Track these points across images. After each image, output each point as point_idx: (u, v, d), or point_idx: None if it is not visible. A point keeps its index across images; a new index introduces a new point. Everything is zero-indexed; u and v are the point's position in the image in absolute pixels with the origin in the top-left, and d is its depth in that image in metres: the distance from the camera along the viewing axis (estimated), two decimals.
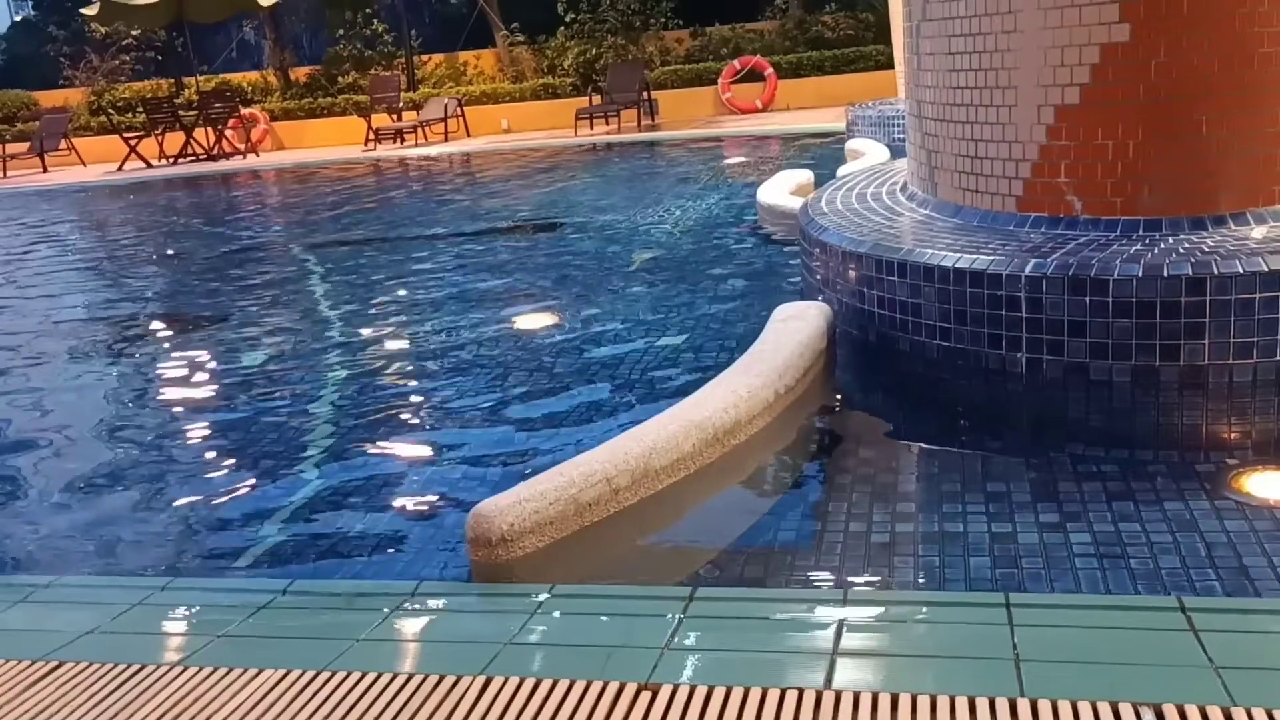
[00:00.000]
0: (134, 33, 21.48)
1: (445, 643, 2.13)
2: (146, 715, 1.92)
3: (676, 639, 2.02)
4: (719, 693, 1.83)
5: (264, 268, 7.70)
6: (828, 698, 1.79)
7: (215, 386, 4.54)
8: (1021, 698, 1.74)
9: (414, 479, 3.29)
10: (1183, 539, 2.42)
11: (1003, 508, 2.65)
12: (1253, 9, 3.21)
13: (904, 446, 3.22)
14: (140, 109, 19.20)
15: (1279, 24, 3.23)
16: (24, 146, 19.22)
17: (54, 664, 2.13)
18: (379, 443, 3.64)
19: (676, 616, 2.10)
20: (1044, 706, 1.72)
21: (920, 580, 2.37)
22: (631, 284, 5.69)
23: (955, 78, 3.82)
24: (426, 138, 17.49)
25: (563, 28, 19.51)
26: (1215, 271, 2.88)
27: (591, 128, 16.35)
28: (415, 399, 4.11)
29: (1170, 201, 3.35)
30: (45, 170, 18.66)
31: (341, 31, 21.51)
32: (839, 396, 3.68)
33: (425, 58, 21.51)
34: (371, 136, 17.20)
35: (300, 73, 21.92)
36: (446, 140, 17.40)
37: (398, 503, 3.11)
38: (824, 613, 2.09)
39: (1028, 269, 3.09)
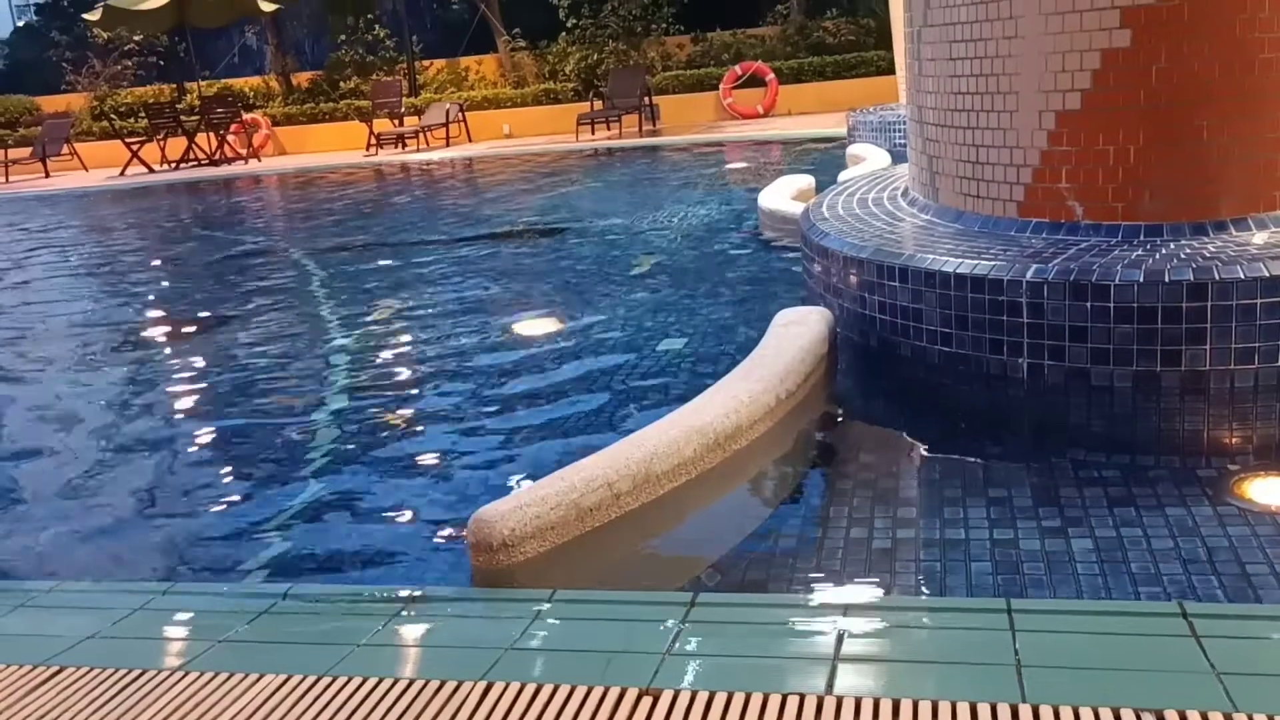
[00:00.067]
0: (136, 38, 21.53)
1: (446, 648, 2.12)
2: None
3: (677, 644, 2.02)
4: (720, 698, 1.82)
5: (265, 273, 7.70)
6: (829, 703, 1.79)
7: (216, 391, 4.54)
8: (1023, 703, 1.74)
9: (415, 484, 3.29)
10: (1184, 544, 2.42)
11: (1004, 513, 2.65)
12: (1253, 15, 3.21)
13: (905, 452, 3.22)
14: (142, 114, 19.24)
15: (1279, 29, 3.23)
16: (26, 151, 19.23)
17: (55, 669, 2.13)
18: (380, 447, 3.64)
19: (677, 622, 2.10)
20: (1046, 712, 1.71)
21: (921, 586, 2.37)
22: (632, 289, 5.69)
23: (956, 83, 3.82)
24: (428, 143, 17.50)
25: (564, 33, 19.55)
26: (1216, 277, 2.88)
27: (593, 133, 16.37)
28: (416, 404, 4.11)
29: (1171, 207, 3.35)
30: (47, 175, 18.68)
31: (343, 37, 21.55)
32: (840, 402, 3.68)
33: (427, 63, 21.54)
34: (373, 142, 17.22)
35: (302, 78, 21.96)
36: (448, 145, 17.41)
37: (399, 507, 3.11)
38: (825, 618, 2.09)
39: (1029, 274, 3.09)
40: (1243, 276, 2.87)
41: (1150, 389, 2.96)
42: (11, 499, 3.48)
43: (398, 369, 4.65)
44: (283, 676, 2.02)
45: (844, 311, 3.83)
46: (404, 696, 1.92)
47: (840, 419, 3.56)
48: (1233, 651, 1.85)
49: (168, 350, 5.51)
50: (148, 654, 2.17)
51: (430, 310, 5.69)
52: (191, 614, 2.40)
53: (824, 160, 10.34)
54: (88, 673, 2.10)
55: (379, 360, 4.81)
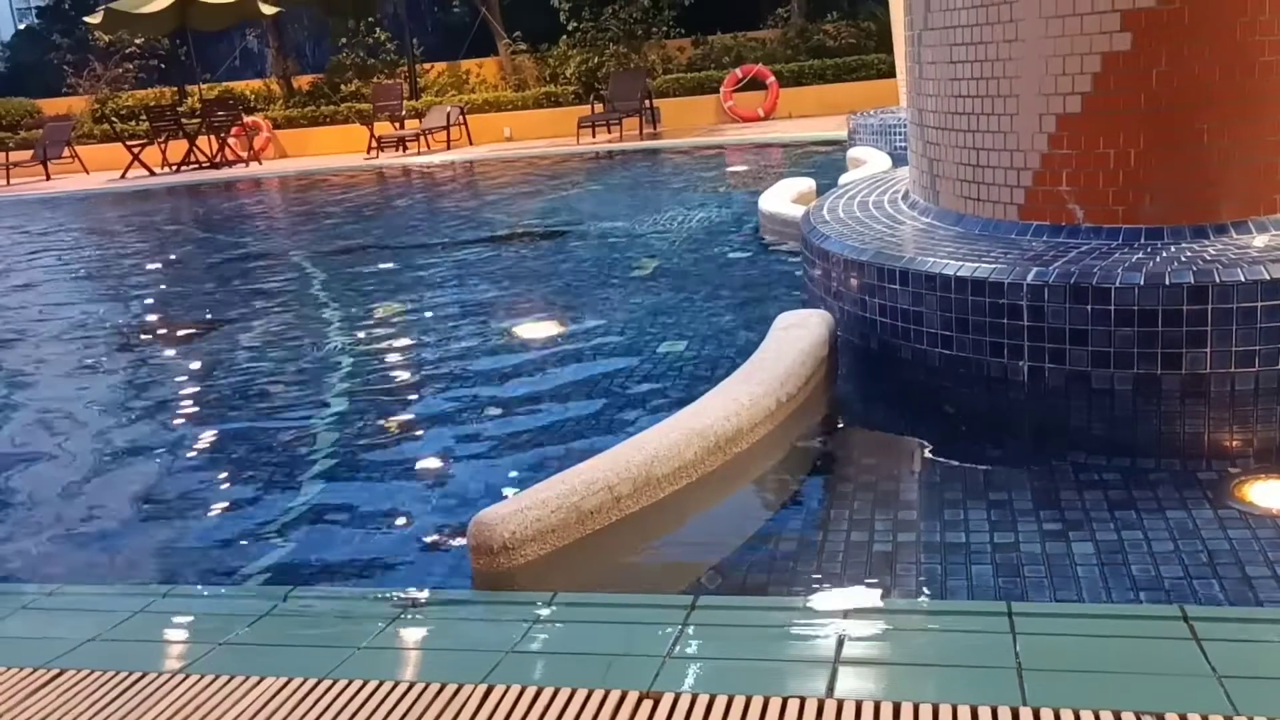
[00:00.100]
0: (138, 41, 21.55)
1: (447, 650, 2.13)
2: None
3: (678, 647, 2.02)
4: (720, 701, 1.82)
5: (266, 276, 7.71)
6: (829, 706, 1.79)
7: (217, 394, 4.54)
8: (1024, 706, 1.74)
9: (416, 486, 3.29)
10: (1185, 547, 2.41)
11: (1005, 516, 2.65)
12: (1254, 18, 3.22)
13: (906, 455, 3.22)
14: (143, 117, 19.26)
15: (1279, 32, 3.24)
16: (27, 154, 19.26)
17: (55, 671, 2.13)
18: (381, 450, 3.64)
19: (678, 625, 2.10)
20: (1046, 715, 1.71)
21: (922, 589, 2.37)
22: (633, 292, 5.70)
23: (957, 86, 3.82)
24: (429, 146, 17.52)
25: (565, 36, 19.57)
26: (1217, 280, 2.88)
27: (594, 136, 16.38)
28: (417, 406, 4.11)
29: (1172, 210, 3.36)
30: (48, 178, 18.69)
31: (344, 40, 21.57)
32: (841, 405, 3.68)
33: (428, 66, 21.56)
34: (374, 145, 17.23)
35: (303, 81, 21.98)
36: (449, 148, 17.43)
37: (400, 510, 3.11)
38: (826, 621, 2.09)
39: (1029, 277, 3.10)
40: (1243, 279, 2.87)
41: (1151, 392, 2.96)
42: (12, 502, 3.48)
43: (398, 372, 4.65)
44: (284, 679, 2.02)
45: (844, 314, 3.83)
46: (405, 699, 1.92)
47: (841, 422, 3.56)
48: (1234, 655, 1.85)
49: (168, 353, 5.52)
50: (149, 656, 2.17)
51: (431, 313, 5.70)
52: (192, 616, 2.40)
53: (824, 163, 10.34)
54: (89, 675, 2.10)
55: (380, 363, 4.81)
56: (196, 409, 4.39)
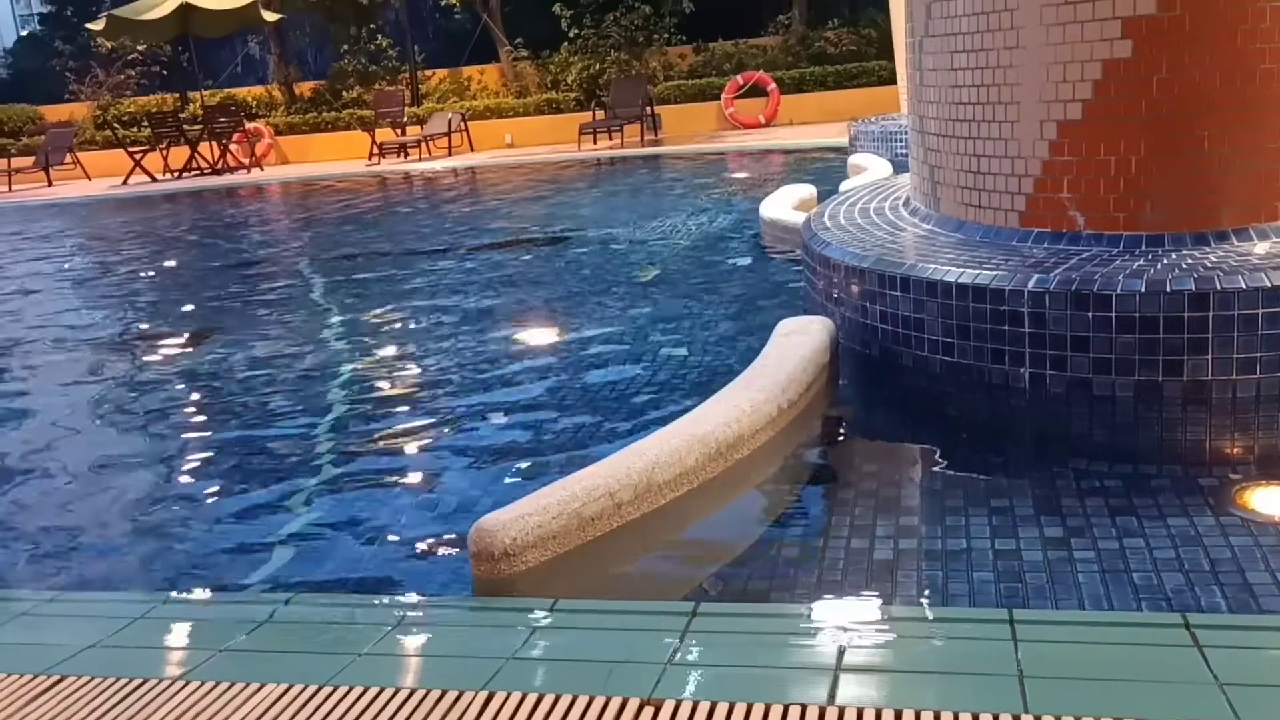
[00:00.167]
0: (140, 47, 21.60)
1: (447, 657, 2.12)
2: None
3: (679, 654, 2.01)
4: (722, 708, 1.82)
5: (266, 282, 7.71)
6: (831, 714, 1.78)
7: (216, 400, 4.54)
8: (1025, 714, 1.74)
9: (417, 493, 3.29)
10: (1186, 555, 2.41)
11: (1006, 523, 2.64)
12: (1254, 25, 3.22)
13: (907, 461, 3.22)
14: (145, 123, 19.30)
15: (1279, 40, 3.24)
16: (29, 160, 19.30)
17: (55, 678, 2.13)
18: (381, 456, 3.64)
19: (679, 632, 2.10)
20: None
21: (924, 596, 2.36)
22: (634, 298, 5.70)
23: (958, 93, 3.83)
24: (430, 152, 17.54)
25: (566, 43, 19.60)
26: (1218, 287, 2.88)
27: (595, 143, 16.40)
28: (418, 413, 4.11)
29: (1172, 217, 3.36)
30: (50, 184, 18.72)
31: (346, 46, 21.61)
32: (842, 411, 3.68)
33: (429, 73, 21.61)
34: (375, 151, 17.26)
35: (305, 87, 22.03)
36: (450, 155, 17.46)
37: (400, 516, 3.10)
38: (827, 628, 2.09)
39: (1030, 284, 3.10)
40: (1244, 287, 2.87)
41: (1152, 399, 2.96)
42: (10, 509, 3.48)
43: (399, 378, 4.65)
44: (284, 686, 2.01)
45: (846, 321, 3.83)
46: (405, 706, 1.91)
47: (842, 429, 3.55)
48: (1236, 662, 1.85)
49: (168, 360, 5.52)
50: (148, 663, 2.16)
51: (432, 319, 5.70)
52: (192, 623, 2.40)
53: (825, 170, 10.35)
54: (88, 682, 2.10)
55: (380, 369, 4.81)
56: (196, 416, 4.39)
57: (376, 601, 2.47)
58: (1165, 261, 3.15)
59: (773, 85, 17.51)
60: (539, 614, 2.23)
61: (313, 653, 2.15)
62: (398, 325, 5.67)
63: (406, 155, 17.39)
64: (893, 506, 2.83)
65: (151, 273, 8.76)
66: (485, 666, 2.02)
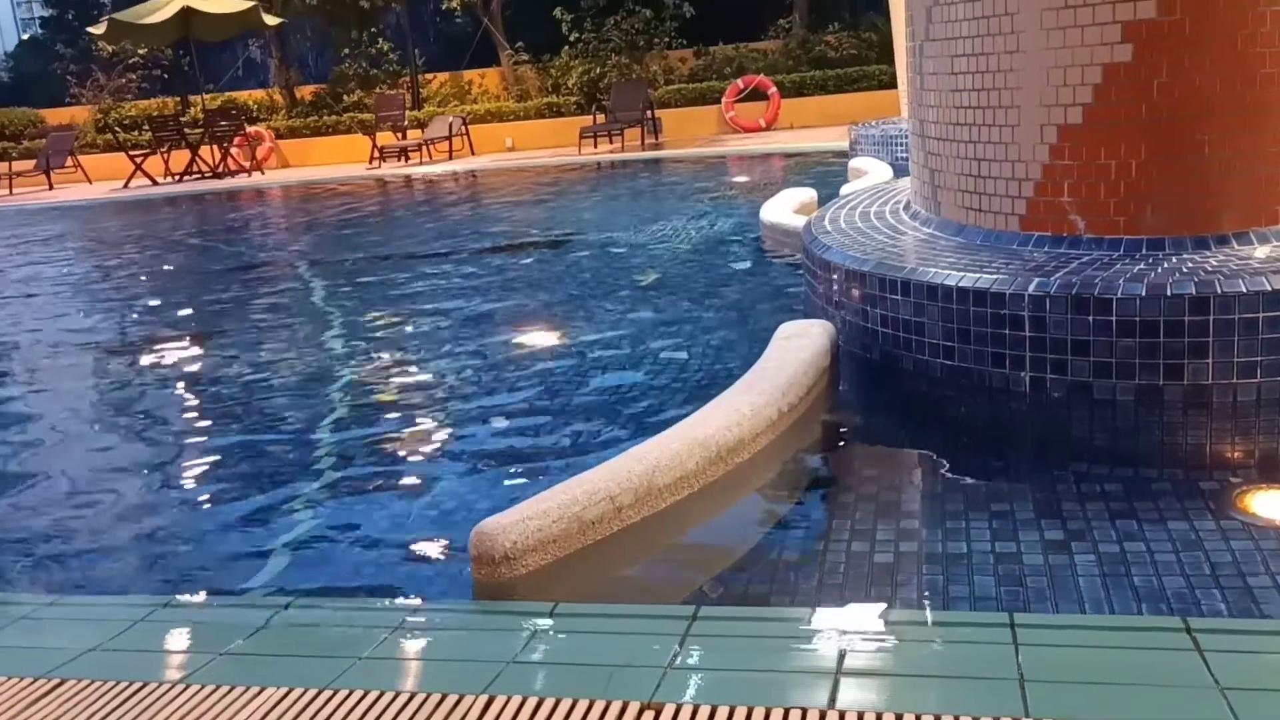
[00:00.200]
0: (141, 51, 21.62)
1: (447, 661, 2.12)
2: None
3: (679, 658, 2.01)
4: (722, 712, 1.82)
5: (267, 286, 7.72)
6: (831, 717, 1.78)
7: (216, 405, 4.54)
8: (1026, 718, 1.74)
9: (417, 496, 3.29)
10: (1187, 558, 2.41)
11: (1006, 526, 2.64)
12: (1254, 29, 3.22)
13: (907, 465, 3.21)
14: (146, 127, 19.31)
15: None
16: (30, 164, 19.31)
17: (55, 682, 2.13)
18: (382, 460, 3.64)
19: (679, 636, 2.09)
20: None
21: (924, 599, 2.36)
22: (634, 302, 5.70)
23: (958, 97, 3.83)
24: (431, 156, 17.55)
25: (567, 47, 19.62)
26: (1218, 291, 2.88)
27: (595, 146, 16.41)
28: (418, 417, 4.11)
29: (1173, 221, 3.36)
30: (51, 188, 18.74)
31: (347, 50, 21.65)
32: (842, 415, 3.68)
33: (430, 76, 21.63)
34: (376, 155, 17.27)
35: (306, 91, 22.05)
36: (451, 158, 17.47)
37: (400, 520, 3.10)
38: (827, 632, 2.09)
39: (1031, 288, 3.10)
40: (1245, 290, 2.87)
41: (1153, 402, 2.96)
42: (10, 513, 3.47)
43: (399, 382, 4.65)
44: (284, 689, 2.01)
45: (846, 325, 3.83)
46: (405, 710, 1.91)
47: (842, 432, 3.55)
48: (1237, 666, 1.84)
49: (168, 363, 5.51)
50: (149, 667, 2.16)
51: (432, 323, 5.70)
52: (192, 627, 2.40)
53: (826, 174, 10.36)
54: (88, 685, 2.10)
55: (380, 373, 4.81)
56: (196, 420, 4.39)
57: (377, 605, 2.47)
58: (1166, 265, 3.15)
59: (773, 89, 17.53)
60: (539, 618, 2.23)
61: (313, 656, 2.15)
62: (398, 329, 5.67)
63: (407, 159, 17.40)
64: (893, 510, 2.83)
65: (152, 276, 8.77)
66: (485, 670, 2.02)
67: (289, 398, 4.53)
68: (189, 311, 6.89)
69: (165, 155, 18.07)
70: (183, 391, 4.82)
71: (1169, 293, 2.91)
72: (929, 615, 2.27)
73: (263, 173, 18.38)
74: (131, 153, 17.97)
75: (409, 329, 5.64)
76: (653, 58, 19.22)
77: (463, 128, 18.02)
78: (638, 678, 1.95)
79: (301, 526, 3.13)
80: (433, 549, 2.90)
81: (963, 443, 3.28)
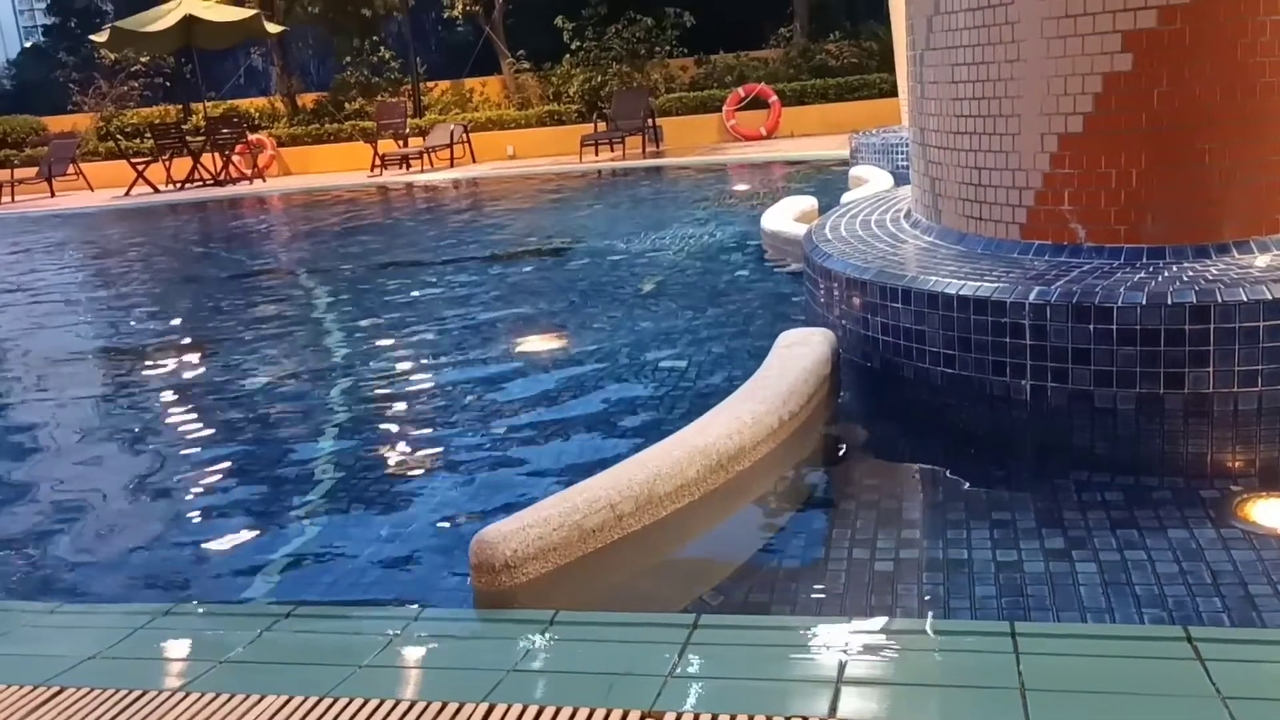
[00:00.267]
0: (143, 59, 21.67)
1: (448, 669, 2.12)
2: None
3: (680, 667, 2.01)
4: None
5: (267, 293, 7.72)
6: None
7: (217, 412, 4.54)
8: None
9: (417, 504, 3.29)
10: (1188, 567, 2.41)
11: (1007, 535, 2.64)
12: (1254, 39, 3.23)
13: (908, 473, 3.21)
14: (148, 134, 19.34)
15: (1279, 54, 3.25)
16: (32, 171, 19.34)
17: (55, 689, 2.12)
18: (382, 467, 3.64)
19: (680, 644, 2.09)
20: None
21: (925, 608, 2.36)
22: (635, 310, 5.70)
23: (959, 106, 3.84)
24: (432, 164, 17.58)
25: (568, 55, 19.66)
26: (1219, 299, 2.88)
27: (596, 154, 16.44)
28: (419, 424, 4.11)
29: (1173, 229, 3.36)
30: (53, 195, 18.76)
31: (349, 58, 21.69)
32: (843, 423, 3.68)
33: (431, 84, 21.67)
34: (377, 162, 17.30)
35: (307, 99, 22.09)
36: (452, 166, 17.49)
37: (400, 528, 3.10)
38: (828, 641, 2.08)
39: (1032, 296, 3.10)
40: (1245, 299, 2.87)
41: (1153, 411, 2.96)
42: (10, 520, 3.47)
43: (399, 390, 4.65)
44: (284, 697, 2.01)
45: (847, 333, 3.83)
46: (406, 718, 1.91)
47: (843, 441, 3.55)
48: (1238, 676, 1.84)
49: (167, 372, 5.52)
50: (148, 674, 2.16)
51: (432, 331, 5.70)
52: (192, 634, 2.39)
53: (826, 182, 10.37)
54: (88, 693, 2.10)
55: (381, 381, 4.82)
56: (196, 429, 4.38)
57: (377, 613, 2.47)
58: (1166, 274, 3.15)
59: (774, 97, 17.56)
60: (540, 626, 2.23)
61: (313, 664, 2.14)
62: (399, 337, 5.67)
63: (408, 166, 17.42)
64: (894, 518, 2.82)
65: (153, 284, 8.78)
66: (486, 678, 2.02)
67: (289, 405, 4.53)
68: (189, 320, 6.90)
69: (167, 163, 18.10)
70: (183, 400, 4.82)
71: (1170, 301, 2.91)
72: (930, 624, 2.27)
73: (264, 180, 18.40)
74: (133, 160, 17.99)
75: (410, 337, 5.64)
76: (654, 66, 19.26)
77: (464, 135, 18.04)
78: (638, 686, 1.95)
79: (302, 534, 3.13)
80: (433, 557, 2.89)
81: (963, 451, 3.28)
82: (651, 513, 2.72)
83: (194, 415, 4.54)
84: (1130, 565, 2.44)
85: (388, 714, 1.93)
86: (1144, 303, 2.93)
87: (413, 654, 2.19)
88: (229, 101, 22.92)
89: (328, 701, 1.99)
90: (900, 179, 7.11)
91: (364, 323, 6.12)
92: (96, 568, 3.04)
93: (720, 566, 2.69)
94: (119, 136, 20.29)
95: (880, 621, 2.29)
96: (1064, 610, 2.28)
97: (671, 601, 2.53)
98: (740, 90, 17.90)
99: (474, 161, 18.00)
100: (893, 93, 13.36)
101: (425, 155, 17.45)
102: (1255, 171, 3.30)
